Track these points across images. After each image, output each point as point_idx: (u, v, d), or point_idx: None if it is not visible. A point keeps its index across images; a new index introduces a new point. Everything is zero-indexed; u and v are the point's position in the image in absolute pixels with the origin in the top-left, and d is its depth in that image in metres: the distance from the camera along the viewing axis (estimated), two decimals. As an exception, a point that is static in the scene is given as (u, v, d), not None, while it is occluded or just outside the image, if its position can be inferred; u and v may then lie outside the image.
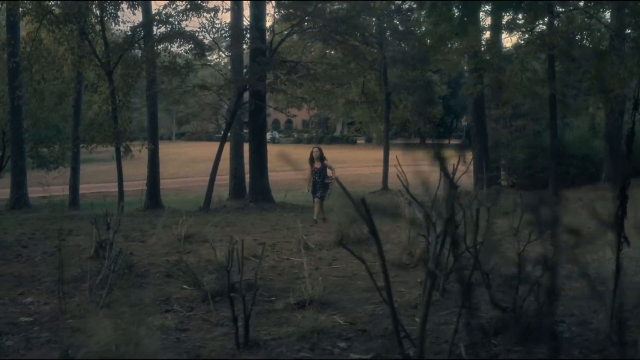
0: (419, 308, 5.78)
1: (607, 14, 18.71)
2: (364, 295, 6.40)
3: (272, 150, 23.04)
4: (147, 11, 19.22)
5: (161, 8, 16.84)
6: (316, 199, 13.71)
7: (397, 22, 24.95)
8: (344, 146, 65.85)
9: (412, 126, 42.49)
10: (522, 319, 4.74)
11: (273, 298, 6.37)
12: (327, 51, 21.12)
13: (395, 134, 70.80)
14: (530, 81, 16.44)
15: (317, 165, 13.60)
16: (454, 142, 74.41)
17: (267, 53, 17.20)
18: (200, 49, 16.95)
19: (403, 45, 24.56)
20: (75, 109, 22.97)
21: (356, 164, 47.89)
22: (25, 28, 18.02)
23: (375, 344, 4.90)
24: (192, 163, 47.54)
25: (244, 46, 18.20)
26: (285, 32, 17.78)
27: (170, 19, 16.41)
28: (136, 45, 16.97)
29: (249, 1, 18.19)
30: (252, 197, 18.54)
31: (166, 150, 47.17)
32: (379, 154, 51.84)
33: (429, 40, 19.24)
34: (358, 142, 73.58)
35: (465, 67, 19.41)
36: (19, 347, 4.93)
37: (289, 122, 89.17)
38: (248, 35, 18.08)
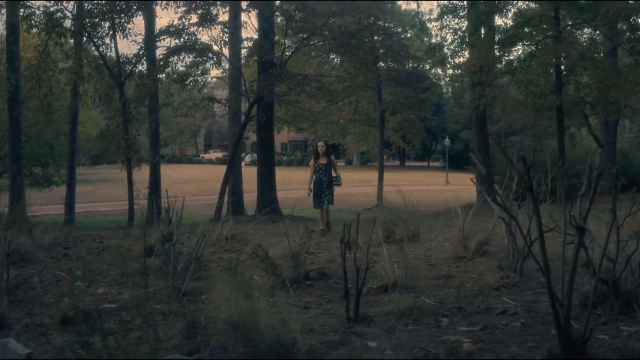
0: (501, 290, 5.94)
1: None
2: (436, 282, 6.52)
3: (252, 172, 23.24)
4: (150, 28, 19.16)
5: (175, 20, 16.89)
6: (320, 209, 12.03)
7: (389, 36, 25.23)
8: (325, 168, 65.83)
9: (399, 144, 42.96)
10: (622, 290, 4.90)
11: (349, 285, 6.43)
12: (332, 64, 21.38)
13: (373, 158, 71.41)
14: (534, 95, 16.77)
15: (323, 160, 11.95)
16: (433, 164, 75.54)
17: (275, 66, 17.33)
18: (218, 59, 17.01)
19: (396, 65, 24.86)
20: (72, 125, 22.73)
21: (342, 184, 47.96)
22: (31, 41, 17.88)
23: (474, 319, 5.01)
24: (176, 184, 46.96)
25: (252, 59, 18.27)
26: (295, 46, 17.97)
27: (181, 32, 16.40)
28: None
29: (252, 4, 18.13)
30: (260, 210, 18.47)
31: (145, 173, 47.00)
32: (361, 175, 52.27)
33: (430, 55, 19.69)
34: (339, 164, 73.78)
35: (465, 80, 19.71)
36: (119, 329, 4.93)
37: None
38: (249, 45, 18.28)
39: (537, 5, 16.15)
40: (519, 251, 6.31)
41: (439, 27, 23.15)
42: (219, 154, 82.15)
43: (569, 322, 3.74)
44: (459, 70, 17.85)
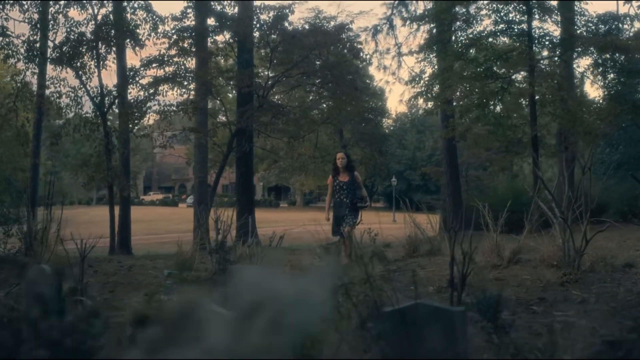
0: (566, 285, 6.25)
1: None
2: (492, 283, 6.75)
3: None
4: (122, 71, 18.55)
5: (162, 50, 16.84)
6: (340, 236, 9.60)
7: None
8: (269, 209, 65.90)
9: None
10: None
11: (412, 287, 6.61)
12: (310, 97, 21.76)
13: (317, 198, 71.84)
14: (504, 127, 17.48)
15: (344, 178, 9.43)
16: (375, 204, 76.44)
17: (254, 97, 17.49)
18: (207, 89, 17.05)
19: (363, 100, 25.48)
20: (34, 159, 22.09)
21: (293, 223, 48.10)
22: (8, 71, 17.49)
23: (559, 307, 5.27)
24: (123, 224, 46.38)
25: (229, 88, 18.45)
26: (273, 78, 18.28)
27: (162, 63, 16.40)
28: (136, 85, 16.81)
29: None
30: (239, 238, 18.35)
31: (92, 212, 45.95)
32: (310, 214, 52.28)
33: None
34: (281, 205, 74.02)
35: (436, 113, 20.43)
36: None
37: (208, 186, 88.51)
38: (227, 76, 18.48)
39: (512, 40, 17.06)
40: (576, 250, 6.67)
41: (396, 65, 24.18)
42: (160, 196, 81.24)
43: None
44: (437, 103, 18.48)
